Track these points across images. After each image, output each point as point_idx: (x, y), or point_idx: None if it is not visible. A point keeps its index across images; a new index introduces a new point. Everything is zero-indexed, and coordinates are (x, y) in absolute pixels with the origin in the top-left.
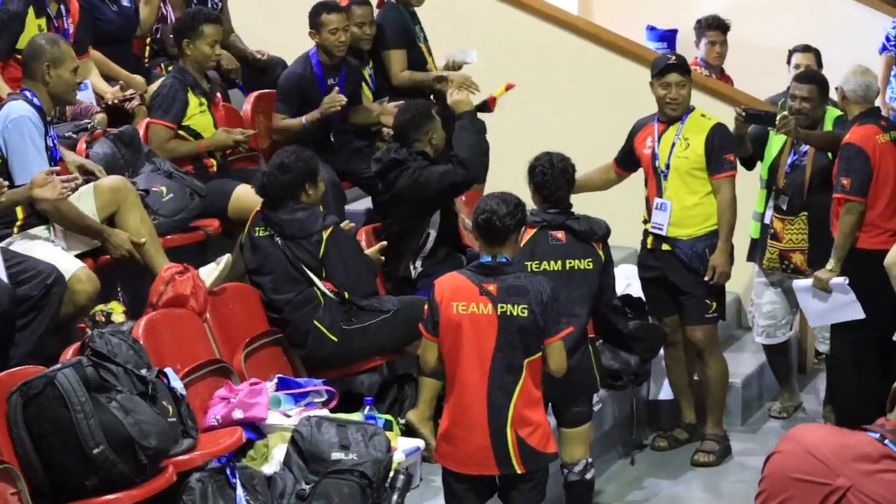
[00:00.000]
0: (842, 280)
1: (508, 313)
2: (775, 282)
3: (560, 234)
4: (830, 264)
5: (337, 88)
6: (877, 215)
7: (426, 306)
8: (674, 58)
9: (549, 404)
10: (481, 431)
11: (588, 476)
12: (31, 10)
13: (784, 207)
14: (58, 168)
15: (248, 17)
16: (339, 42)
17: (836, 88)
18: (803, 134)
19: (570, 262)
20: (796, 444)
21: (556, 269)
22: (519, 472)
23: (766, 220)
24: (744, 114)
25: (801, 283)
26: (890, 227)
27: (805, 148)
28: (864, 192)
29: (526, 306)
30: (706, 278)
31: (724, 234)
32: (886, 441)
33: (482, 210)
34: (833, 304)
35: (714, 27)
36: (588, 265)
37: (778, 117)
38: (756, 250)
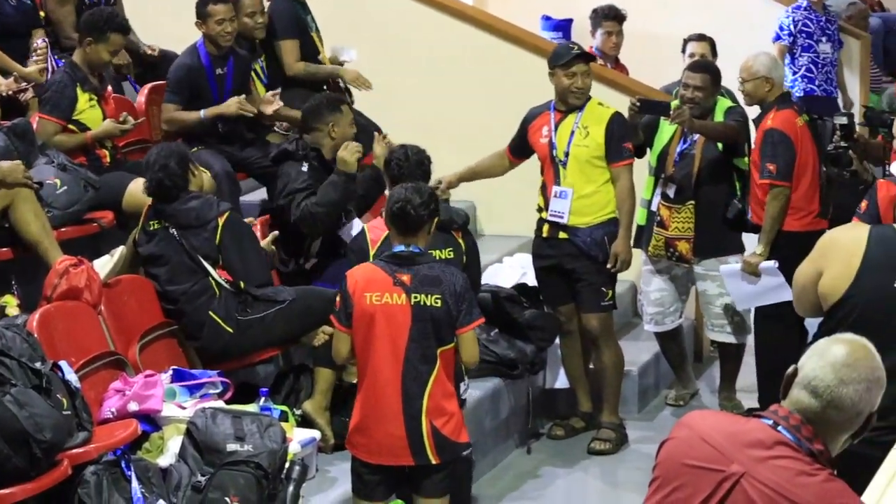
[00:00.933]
0: (772, 263)
1: (422, 303)
2: (662, 269)
3: None
4: (759, 248)
5: (243, 97)
6: (800, 197)
7: (338, 298)
8: (576, 48)
9: None
10: (395, 422)
11: (464, 452)
12: None
13: (671, 195)
14: None
15: (142, 9)
16: (225, 32)
17: (742, 79)
18: (697, 124)
19: (430, 252)
20: (689, 431)
21: None
22: (434, 462)
23: (653, 208)
24: (638, 104)
25: (728, 268)
26: (813, 209)
27: (695, 137)
28: (790, 177)
29: (439, 296)
30: (608, 266)
31: (625, 221)
32: (779, 427)
33: (397, 199)
34: (762, 287)
35: (611, 17)
36: (448, 255)
37: (672, 107)
38: (642, 237)
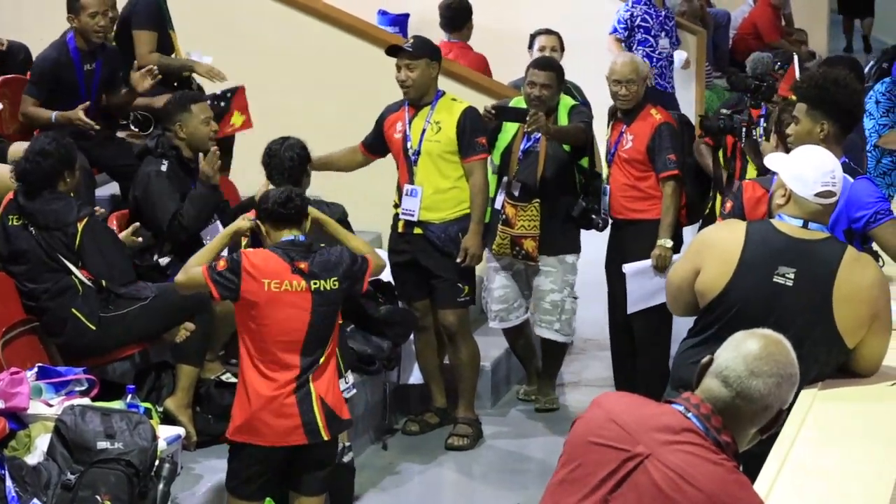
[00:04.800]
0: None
1: (322, 289)
2: (505, 266)
3: None
4: (668, 242)
5: (81, 106)
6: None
7: (222, 262)
8: (411, 40)
9: None
10: (290, 406)
11: (345, 459)
12: None
13: (516, 194)
14: None
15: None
16: (98, 27)
17: (628, 80)
18: (554, 130)
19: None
20: (600, 410)
21: None
22: (325, 437)
23: (497, 206)
24: (493, 111)
25: (632, 267)
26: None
27: (538, 135)
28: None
29: (337, 279)
30: (458, 260)
31: (476, 216)
32: (689, 415)
33: (283, 194)
34: (655, 287)
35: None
36: None
37: (529, 114)
38: (487, 235)
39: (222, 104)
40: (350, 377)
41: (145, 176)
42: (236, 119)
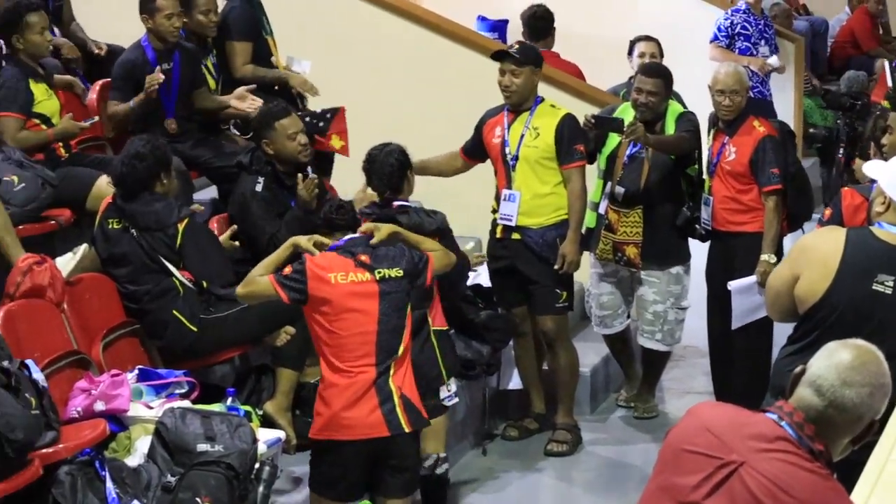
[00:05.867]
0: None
1: (386, 276)
2: (609, 272)
3: None
4: (772, 257)
5: (158, 68)
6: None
7: (290, 270)
8: (517, 45)
9: None
10: (370, 398)
11: (439, 471)
12: None
13: (620, 199)
14: None
15: (88, 5)
16: (173, 27)
17: (733, 91)
18: (652, 140)
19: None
20: (695, 419)
21: None
22: (407, 430)
23: (601, 211)
24: (593, 120)
25: (738, 284)
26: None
27: None
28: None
29: (400, 268)
30: (556, 267)
31: (574, 223)
32: (783, 423)
33: (336, 203)
34: (759, 302)
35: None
36: None
37: (626, 123)
38: (591, 240)
39: (320, 124)
40: (453, 385)
41: (241, 196)
42: (335, 142)
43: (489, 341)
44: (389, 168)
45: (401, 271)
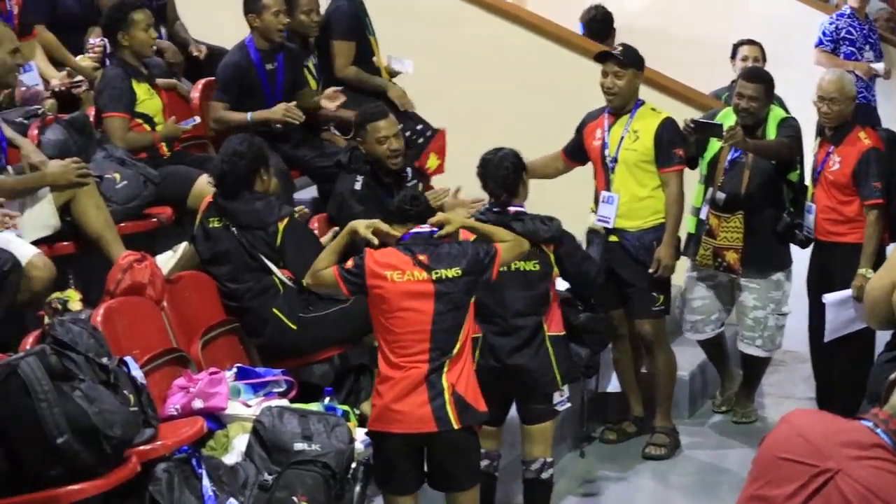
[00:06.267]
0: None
1: (443, 277)
2: (706, 277)
3: None
4: (871, 272)
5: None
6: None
7: (351, 264)
8: (620, 48)
9: (514, 400)
10: (421, 394)
11: (544, 476)
12: None
13: (721, 204)
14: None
15: (192, 5)
16: (281, 25)
17: (832, 98)
18: (752, 145)
19: (515, 264)
20: (789, 426)
21: (501, 269)
22: (455, 426)
23: (702, 216)
24: (692, 125)
25: (833, 298)
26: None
27: None
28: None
29: (459, 268)
30: (650, 270)
31: (670, 227)
32: (878, 430)
33: (410, 193)
34: (854, 316)
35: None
36: (534, 267)
37: (726, 128)
38: (690, 245)
39: (420, 140)
40: (566, 390)
41: (340, 195)
42: (431, 162)
43: (588, 344)
44: (504, 171)
45: (459, 271)
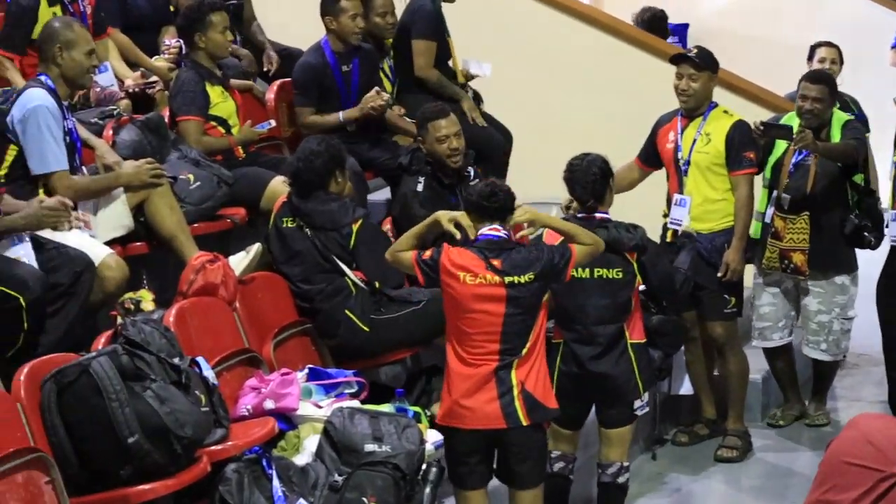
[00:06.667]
0: None
1: (516, 282)
2: (773, 283)
3: None
4: None
5: (377, 89)
6: None
7: (429, 255)
8: (695, 50)
9: (593, 404)
10: (490, 391)
11: (620, 480)
12: (43, 1)
13: (786, 206)
14: (70, 203)
15: (269, 6)
16: (357, 28)
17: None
18: (822, 147)
19: (598, 271)
20: (856, 431)
21: (584, 276)
22: (524, 423)
23: (767, 220)
24: (762, 127)
25: None
26: None
27: None
28: None
29: (532, 274)
30: (719, 275)
31: (739, 231)
32: None
33: (488, 187)
34: None
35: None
36: (616, 275)
37: (796, 130)
38: (756, 250)
39: None
40: (646, 395)
41: (402, 197)
42: None
43: (660, 346)
44: (592, 177)
45: (532, 276)
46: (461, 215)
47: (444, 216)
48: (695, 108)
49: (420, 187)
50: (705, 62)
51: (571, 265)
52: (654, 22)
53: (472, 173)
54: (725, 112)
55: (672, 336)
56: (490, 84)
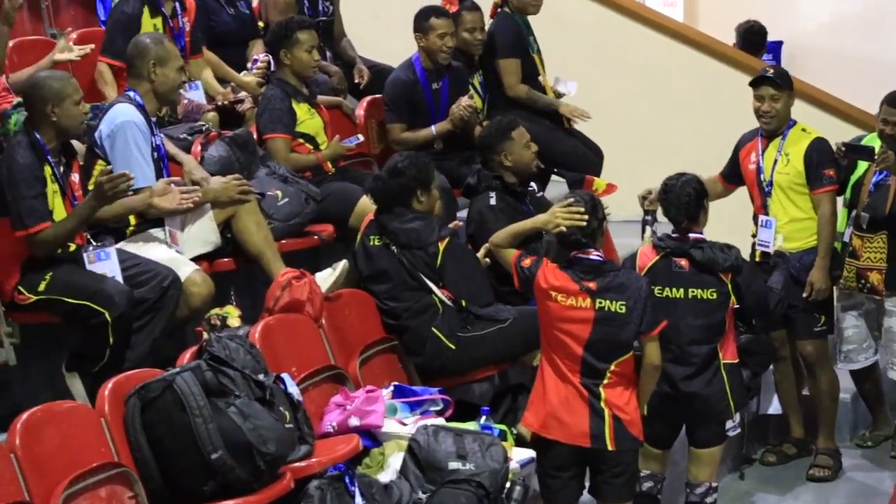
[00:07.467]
0: None
1: (606, 308)
2: (854, 304)
3: (683, 262)
4: None
5: (467, 97)
6: None
7: (528, 263)
8: (771, 70)
9: (683, 424)
10: (580, 411)
11: (708, 500)
12: (146, 11)
13: (864, 225)
14: (177, 178)
15: (360, 22)
16: (446, 47)
17: None
18: None
19: (692, 291)
20: None
21: (678, 296)
22: (610, 448)
23: (846, 239)
24: (844, 148)
25: None
26: None
27: None
28: None
29: (624, 303)
30: (804, 294)
31: (823, 250)
32: None
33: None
34: None
35: None
36: (711, 295)
37: (878, 152)
38: (837, 270)
39: None
40: (737, 416)
41: (476, 214)
42: (598, 184)
43: (749, 365)
44: (686, 198)
45: (624, 306)
46: (562, 222)
47: (548, 225)
48: (777, 128)
49: (493, 201)
50: (785, 82)
51: (655, 332)
52: (748, 35)
53: (535, 188)
54: (804, 130)
55: (761, 356)
56: (581, 102)
